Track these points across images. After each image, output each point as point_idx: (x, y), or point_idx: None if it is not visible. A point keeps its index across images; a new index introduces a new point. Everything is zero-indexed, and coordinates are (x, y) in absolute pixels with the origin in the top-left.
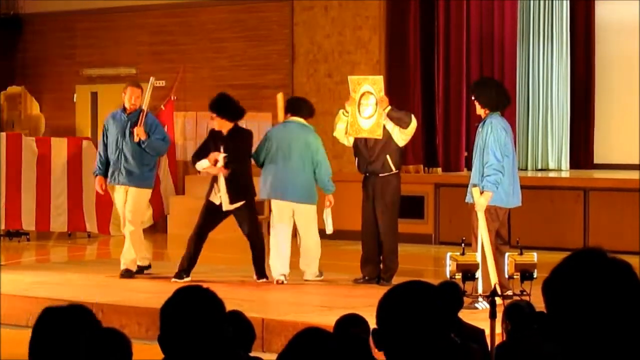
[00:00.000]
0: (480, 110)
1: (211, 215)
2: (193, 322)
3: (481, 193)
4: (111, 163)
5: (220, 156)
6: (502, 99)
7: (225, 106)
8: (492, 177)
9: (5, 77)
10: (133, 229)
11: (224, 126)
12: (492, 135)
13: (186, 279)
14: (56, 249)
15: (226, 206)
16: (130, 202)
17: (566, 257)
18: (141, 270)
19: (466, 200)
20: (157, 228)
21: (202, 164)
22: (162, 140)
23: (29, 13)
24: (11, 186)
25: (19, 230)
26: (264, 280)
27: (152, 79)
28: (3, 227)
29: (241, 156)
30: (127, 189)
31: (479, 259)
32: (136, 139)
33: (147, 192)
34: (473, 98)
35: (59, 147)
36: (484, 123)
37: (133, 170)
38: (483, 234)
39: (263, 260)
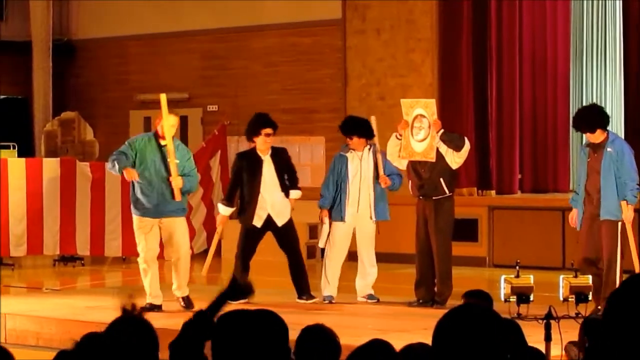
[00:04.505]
0: (600, 135)
1: (251, 238)
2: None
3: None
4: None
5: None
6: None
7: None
8: (636, 191)
9: (59, 103)
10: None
11: (269, 146)
12: (626, 151)
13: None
14: (111, 274)
15: (280, 221)
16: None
17: (623, 282)
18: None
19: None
20: None
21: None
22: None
23: (82, 39)
24: (65, 211)
25: (73, 255)
26: (313, 301)
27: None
28: (58, 252)
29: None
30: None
31: (618, 278)
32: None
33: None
34: (588, 125)
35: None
36: (612, 142)
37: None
38: (633, 248)
39: (306, 279)
